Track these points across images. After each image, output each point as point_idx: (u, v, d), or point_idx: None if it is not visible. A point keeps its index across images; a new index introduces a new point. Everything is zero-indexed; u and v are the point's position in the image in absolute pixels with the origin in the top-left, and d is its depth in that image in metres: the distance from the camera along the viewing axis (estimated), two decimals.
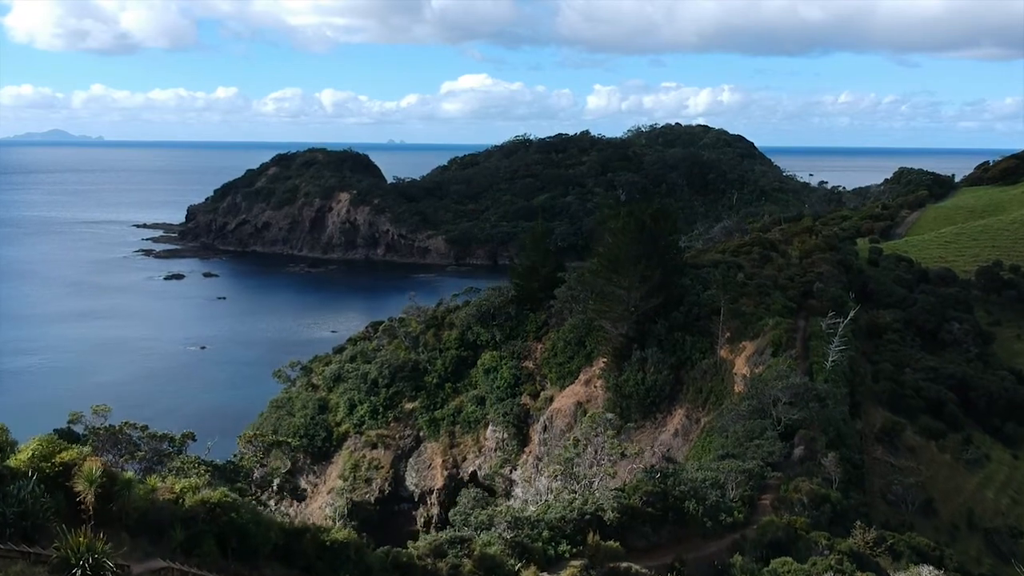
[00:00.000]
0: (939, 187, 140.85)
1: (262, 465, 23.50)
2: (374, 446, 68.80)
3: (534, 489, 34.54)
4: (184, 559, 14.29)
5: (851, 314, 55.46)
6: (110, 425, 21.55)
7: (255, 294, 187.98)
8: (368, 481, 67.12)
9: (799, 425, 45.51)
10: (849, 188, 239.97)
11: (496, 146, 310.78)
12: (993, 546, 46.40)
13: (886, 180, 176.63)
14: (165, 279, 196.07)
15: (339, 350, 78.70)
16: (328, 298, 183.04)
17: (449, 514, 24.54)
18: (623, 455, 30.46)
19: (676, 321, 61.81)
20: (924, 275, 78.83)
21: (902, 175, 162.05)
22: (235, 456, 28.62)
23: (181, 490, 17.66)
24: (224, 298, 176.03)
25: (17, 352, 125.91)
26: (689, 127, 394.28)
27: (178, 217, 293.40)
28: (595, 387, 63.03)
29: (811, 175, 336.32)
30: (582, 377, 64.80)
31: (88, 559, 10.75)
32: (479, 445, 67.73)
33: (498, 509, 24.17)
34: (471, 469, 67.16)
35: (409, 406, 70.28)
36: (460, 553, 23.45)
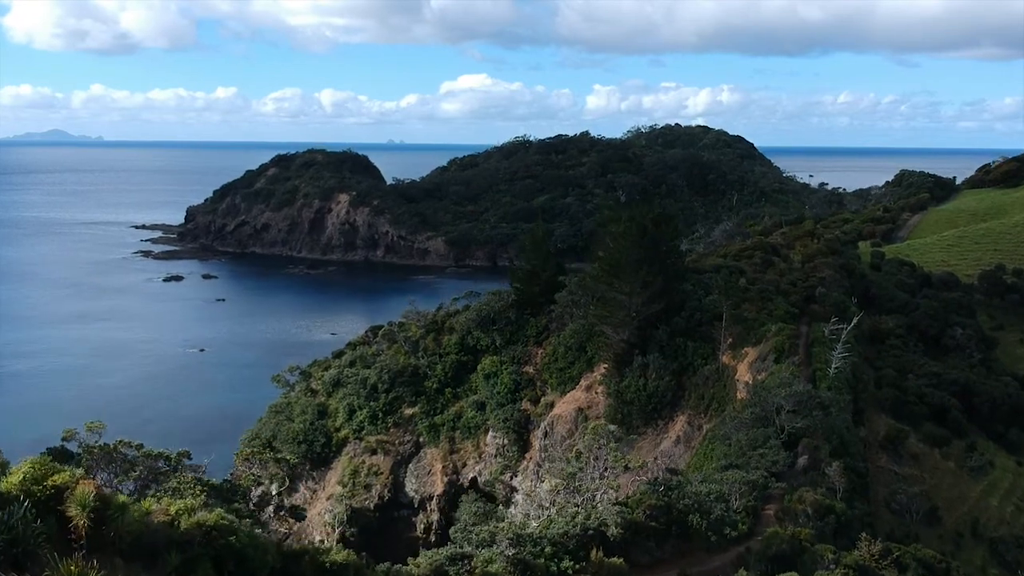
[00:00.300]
0: (940, 189, 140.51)
1: (259, 483, 23.10)
2: (373, 452, 68.37)
3: (536, 504, 34.10)
4: None
5: (855, 320, 55.03)
6: (104, 444, 21.15)
7: (254, 296, 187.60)
8: (368, 487, 66.70)
9: (802, 433, 45.09)
10: (849, 189, 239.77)
11: (496, 147, 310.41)
12: (998, 555, 45.98)
13: (887, 182, 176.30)
14: (164, 280, 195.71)
15: (338, 355, 78.29)
16: (327, 300, 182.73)
17: (450, 531, 24.08)
18: (626, 468, 30.03)
19: (678, 327, 61.39)
20: (927, 279, 78.43)
21: (903, 177, 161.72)
22: (231, 474, 28.14)
23: (176, 512, 17.23)
24: (223, 300, 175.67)
25: (15, 355, 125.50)
26: (689, 128, 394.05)
27: (177, 218, 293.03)
28: (596, 393, 62.60)
29: (811, 176, 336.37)
30: (583, 383, 64.37)
31: None
32: (479, 451, 67.31)
33: (500, 526, 23.76)
34: (471, 475, 66.73)
35: (409, 411, 69.85)
36: (461, 571, 23.05)
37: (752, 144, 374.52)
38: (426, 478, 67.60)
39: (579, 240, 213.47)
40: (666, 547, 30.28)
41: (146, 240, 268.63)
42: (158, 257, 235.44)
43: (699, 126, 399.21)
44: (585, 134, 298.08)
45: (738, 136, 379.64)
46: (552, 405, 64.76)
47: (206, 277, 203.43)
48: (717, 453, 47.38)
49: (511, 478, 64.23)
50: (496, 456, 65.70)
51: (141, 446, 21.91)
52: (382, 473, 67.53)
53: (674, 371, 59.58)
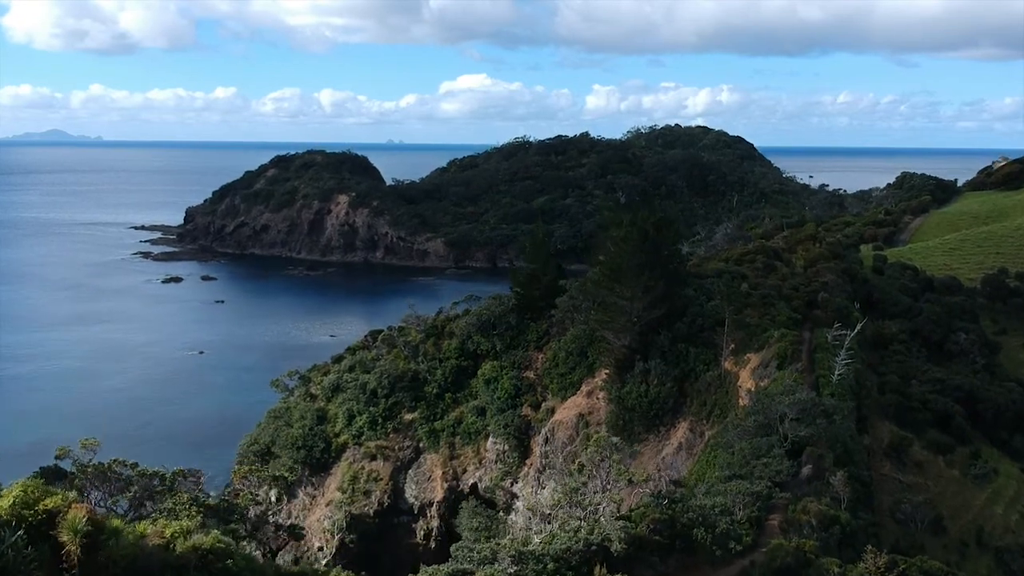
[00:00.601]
0: (942, 192, 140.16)
1: (257, 503, 22.66)
2: (373, 457, 67.95)
3: (539, 517, 33.67)
4: None
5: (858, 327, 54.61)
6: (98, 463, 20.73)
7: (253, 297, 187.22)
8: (367, 493, 66.26)
9: (806, 442, 44.64)
10: (850, 191, 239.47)
11: (495, 147, 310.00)
12: (1004, 565, 45.55)
13: (888, 185, 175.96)
14: (163, 282, 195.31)
15: (337, 359, 77.88)
16: (327, 302, 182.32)
17: (451, 548, 23.65)
18: (630, 481, 29.62)
19: (679, 332, 60.94)
20: (929, 284, 78.00)
21: (905, 180, 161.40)
22: (228, 492, 27.79)
23: (172, 535, 16.82)
24: (222, 301, 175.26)
25: (14, 358, 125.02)
26: (689, 128, 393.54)
27: (176, 219, 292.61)
28: (597, 399, 62.16)
29: (811, 176, 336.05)
30: (584, 388, 63.93)
31: None
32: (479, 457, 66.89)
33: (502, 543, 23.34)
34: (471, 481, 66.31)
35: (408, 417, 69.43)
36: None
37: (752, 145, 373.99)
38: (426, 484, 67.18)
39: (579, 241, 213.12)
40: (670, 562, 29.86)
41: (145, 241, 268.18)
42: (157, 258, 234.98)
43: (699, 127, 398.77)
44: (585, 135, 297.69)
45: (738, 137, 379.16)
46: (553, 411, 64.34)
47: (205, 279, 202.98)
48: (720, 461, 46.95)
49: (512, 484, 63.81)
50: (496, 462, 65.29)
51: (136, 465, 21.47)
52: (382, 479, 67.10)
53: (676, 377, 59.13)
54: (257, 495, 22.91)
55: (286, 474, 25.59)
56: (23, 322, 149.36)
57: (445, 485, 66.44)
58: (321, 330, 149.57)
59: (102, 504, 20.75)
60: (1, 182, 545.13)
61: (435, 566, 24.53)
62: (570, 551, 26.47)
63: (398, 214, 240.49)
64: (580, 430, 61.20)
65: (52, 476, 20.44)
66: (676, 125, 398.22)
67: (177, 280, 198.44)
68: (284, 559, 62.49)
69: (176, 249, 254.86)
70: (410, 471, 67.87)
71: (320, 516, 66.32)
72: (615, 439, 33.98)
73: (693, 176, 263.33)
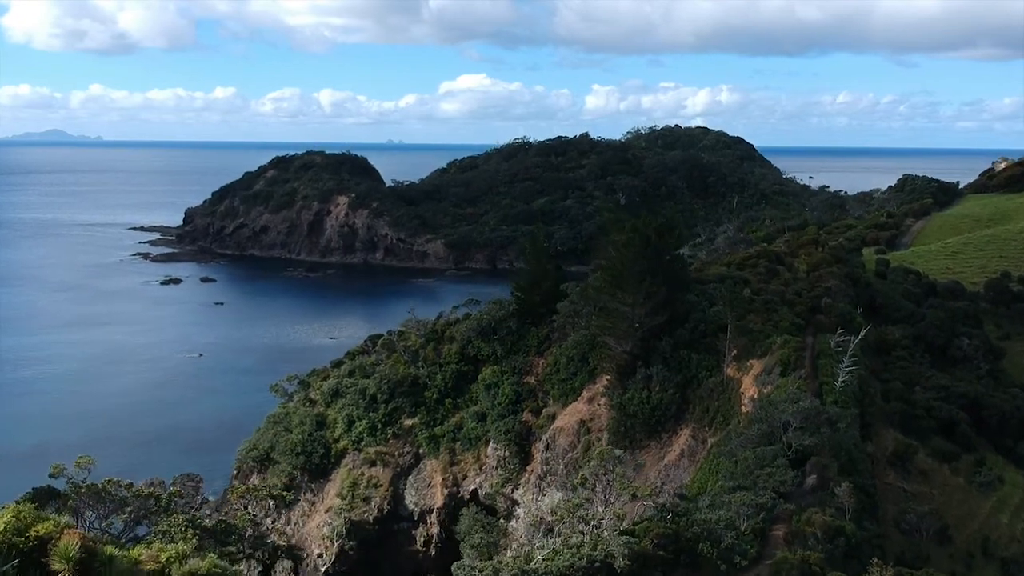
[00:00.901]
0: (944, 194, 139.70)
1: (255, 523, 22.14)
2: (373, 463, 67.45)
3: (542, 529, 33.19)
4: None
5: (862, 333, 54.13)
6: (92, 483, 20.26)
7: (253, 299, 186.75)
8: (367, 500, 65.77)
9: (810, 451, 44.19)
10: (850, 192, 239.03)
11: (495, 148, 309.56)
12: (1010, 575, 45.10)
13: (890, 187, 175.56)
14: (162, 283, 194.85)
15: (337, 364, 77.40)
16: (326, 304, 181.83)
17: (452, 567, 23.21)
18: (634, 496, 29.17)
19: (682, 338, 60.50)
20: (932, 288, 77.54)
21: (906, 182, 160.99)
22: (226, 513, 27.23)
23: (167, 560, 16.35)
24: (222, 303, 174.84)
25: (12, 361, 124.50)
26: (689, 129, 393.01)
27: (176, 219, 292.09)
28: (599, 405, 61.71)
29: (811, 177, 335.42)
30: (585, 394, 63.47)
31: None
32: (480, 463, 66.40)
33: (504, 561, 22.89)
34: (472, 487, 65.82)
35: (408, 422, 68.94)
36: None
37: (752, 145, 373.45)
38: (426, 490, 66.70)
39: (579, 243, 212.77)
40: None
41: (144, 242, 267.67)
42: (156, 259, 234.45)
43: (699, 127, 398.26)
44: (585, 136, 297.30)
45: (738, 137, 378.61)
46: (554, 417, 63.88)
47: (204, 280, 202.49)
48: (723, 470, 46.48)
49: (512, 491, 63.32)
50: (497, 468, 64.80)
51: (131, 485, 21.03)
52: (381, 485, 66.61)
53: (678, 383, 58.67)
54: (255, 515, 22.37)
55: (283, 493, 24.99)
56: (22, 324, 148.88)
57: (445, 491, 65.96)
58: (321, 332, 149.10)
59: (96, 525, 20.29)
60: (1, 182, 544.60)
61: None
62: (573, 568, 26.07)
63: (398, 215, 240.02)
64: (581, 437, 60.76)
65: (45, 496, 19.99)
66: (676, 126, 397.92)
67: (176, 282, 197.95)
68: (283, 565, 62.12)
69: (175, 250, 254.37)
70: (410, 477, 67.39)
71: (319, 522, 65.82)
72: (618, 452, 33.52)
73: (693, 177, 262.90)
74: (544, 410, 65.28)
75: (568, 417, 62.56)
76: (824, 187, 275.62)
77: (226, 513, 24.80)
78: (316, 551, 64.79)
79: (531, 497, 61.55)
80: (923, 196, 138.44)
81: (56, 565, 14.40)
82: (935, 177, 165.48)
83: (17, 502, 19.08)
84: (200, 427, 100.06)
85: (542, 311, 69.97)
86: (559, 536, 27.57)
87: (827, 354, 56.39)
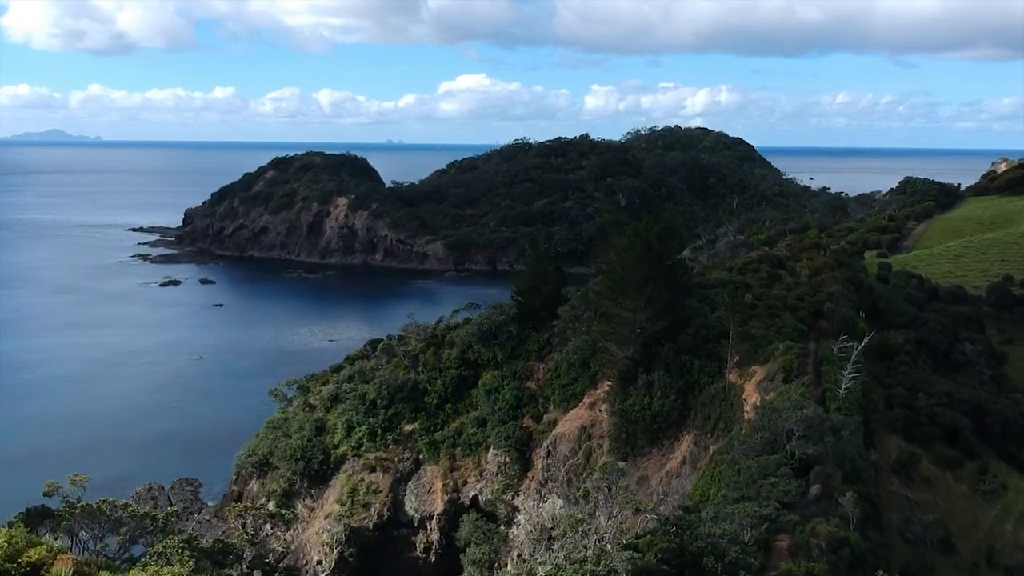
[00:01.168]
0: (945, 197, 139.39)
1: (253, 543, 21.89)
2: (372, 469, 67.09)
3: (544, 543, 32.83)
4: None
5: (865, 339, 53.76)
6: (87, 503, 19.91)
7: (252, 301, 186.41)
8: (366, 506, 65.40)
9: (814, 460, 43.80)
10: (850, 193, 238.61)
11: (495, 149, 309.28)
12: None
13: (891, 189, 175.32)
14: (161, 285, 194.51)
15: (336, 369, 77.05)
16: (326, 306, 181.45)
17: None
18: (637, 510, 28.81)
19: (683, 344, 60.09)
20: (935, 293, 77.17)
21: (907, 184, 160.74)
22: (223, 533, 26.93)
23: None
24: (221, 305, 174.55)
25: (10, 365, 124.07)
26: (689, 130, 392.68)
27: (175, 220, 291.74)
28: (600, 411, 61.33)
29: (811, 178, 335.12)
30: (586, 400, 63.09)
31: None
32: (480, 469, 66.03)
33: None
34: (472, 494, 65.44)
35: (408, 428, 68.58)
36: None
37: (752, 146, 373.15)
38: (426, 496, 66.32)
39: (579, 244, 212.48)
40: None
41: (144, 243, 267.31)
42: (155, 261, 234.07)
43: (699, 128, 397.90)
44: (585, 136, 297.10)
45: (738, 138, 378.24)
46: (555, 423, 63.51)
47: (204, 282, 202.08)
48: (725, 478, 46.11)
49: (513, 498, 62.95)
50: (497, 474, 64.43)
51: (127, 505, 20.66)
52: (381, 491, 66.24)
53: (679, 390, 58.27)
54: (253, 534, 22.16)
55: (283, 512, 24.64)
56: (22, 327, 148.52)
57: (445, 497, 65.59)
58: (320, 335, 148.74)
59: (91, 545, 19.94)
60: (0, 183, 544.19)
61: None
62: None
63: (397, 216, 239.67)
64: (582, 443, 60.40)
65: (39, 516, 19.63)
66: (676, 126, 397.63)
67: (176, 283, 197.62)
68: (281, 571, 61.68)
69: (175, 251, 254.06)
70: (410, 483, 67.02)
71: (319, 529, 65.47)
72: (621, 464, 33.14)
73: (693, 178, 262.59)
74: (545, 416, 64.90)
75: (569, 423, 62.19)
76: (825, 189, 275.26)
77: (224, 533, 24.50)
78: (315, 558, 64.42)
79: (532, 504, 61.19)
80: (924, 198, 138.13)
81: None
82: (935, 177, 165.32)
83: (10, 523, 18.72)
84: (199, 430, 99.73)
85: (543, 315, 69.60)
86: (562, 551, 27.20)
87: (830, 360, 55.99)
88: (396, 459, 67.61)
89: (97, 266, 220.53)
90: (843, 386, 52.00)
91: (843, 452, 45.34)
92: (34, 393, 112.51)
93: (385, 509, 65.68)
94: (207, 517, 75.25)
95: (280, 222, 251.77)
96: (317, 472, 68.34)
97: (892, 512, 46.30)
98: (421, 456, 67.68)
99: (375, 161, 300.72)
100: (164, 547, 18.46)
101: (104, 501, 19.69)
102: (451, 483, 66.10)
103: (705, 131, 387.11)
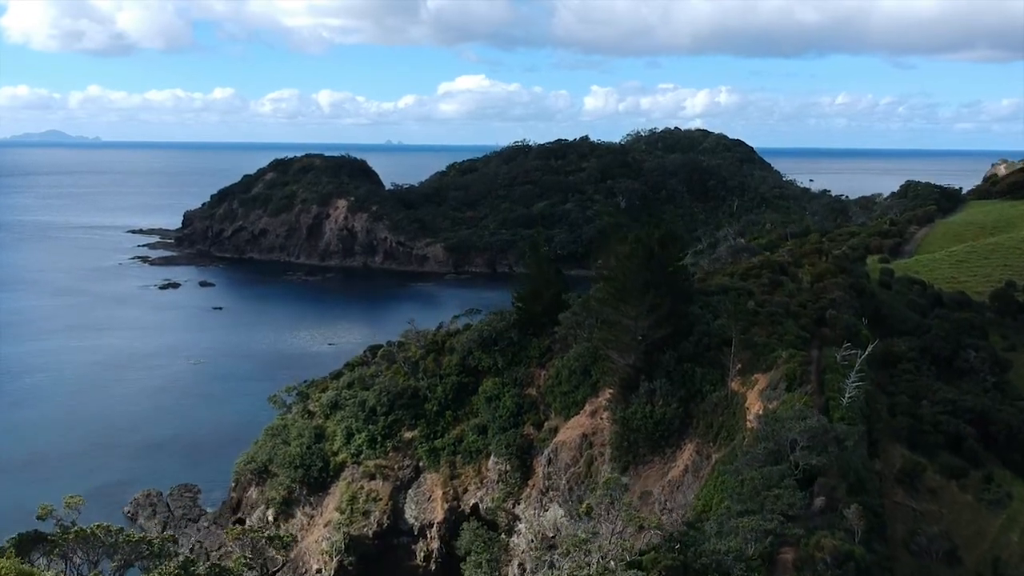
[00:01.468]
0: (947, 201, 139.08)
1: (250, 567, 21.48)
2: (372, 477, 66.68)
3: (546, 559, 32.43)
4: None
5: (869, 347, 53.35)
6: (81, 528, 19.50)
7: (252, 304, 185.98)
8: (366, 514, 64.99)
9: (818, 471, 43.40)
10: (849, 193, 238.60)
11: (495, 150, 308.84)
12: None
13: (893, 193, 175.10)
14: (160, 288, 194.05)
15: (336, 376, 76.65)
16: (325, 308, 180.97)
17: None
18: (641, 527, 28.44)
19: (685, 352, 59.71)
20: (938, 299, 76.79)
21: (909, 188, 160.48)
22: (220, 557, 26.50)
23: None
24: (221, 308, 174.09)
25: (9, 371, 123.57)
26: (688, 131, 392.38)
27: (175, 222, 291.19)
28: (601, 419, 60.92)
29: (811, 180, 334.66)
30: (588, 408, 62.68)
31: None
32: (481, 476, 65.63)
33: None
34: (472, 502, 65.05)
35: (408, 435, 68.17)
36: None
37: (751, 148, 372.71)
38: (426, 504, 65.92)
39: (579, 247, 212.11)
40: None
41: (143, 245, 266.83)
42: (155, 263, 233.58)
43: (699, 130, 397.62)
44: (584, 139, 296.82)
45: (738, 140, 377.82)
46: (556, 430, 63.11)
47: (203, 284, 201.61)
48: (728, 489, 45.73)
49: (514, 506, 62.56)
50: (498, 482, 64.03)
51: (121, 530, 20.26)
52: (381, 499, 65.84)
53: (682, 398, 57.89)
54: (251, 560, 21.75)
55: (282, 535, 24.22)
56: (21, 330, 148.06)
57: (446, 505, 65.19)
58: (319, 338, 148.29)
59: (85, 571, 19.53)
60: (0, 184, 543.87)
61: None
62: None
63: (397, 219, 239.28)
64: (584, 451, 60.00)
65: (31, 542, 19.22)
66: (676, 128, 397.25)
67: (175, 286, 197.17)
68: None
69: (174, 253, 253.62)
70: (410, 491, 66.62)
71: (318, 537, 65.06)
72: (624, 479, 32.73)
73: (693, 180, 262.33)
74: (546, 423, 64.53)
75: (570, 431, 61.81)
76: (825, 191, 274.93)
77: (220, 547, 23.96)
78: (315, 566, 64.02)
79: (533, 512, 60.80)
80: (926, 202, 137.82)
81: None
82: (935, 179, 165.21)
83: (2, 549, 18.30)
84: (199, 435, 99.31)
85: (544, 321, 69.18)
86: (565, 571, 26.82)
87: (833, 368, 55.60)
88: (396, 467, 67.20)
89: (96, 268, 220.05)
90: (847, 395, 51.60)
91: (847, 463, 44.93)
92: (34, 396, 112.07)
93: (385, 517, 65.28)
94: (206, 524, 74.92)
95: (279, 224, 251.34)
96: (316, 480, 67.94)
97: (897, 523, 45.88)
98: (421, 464, 67.27)
99: (374, 162, 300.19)
100: (160, 573, 18.09)
101: (99, 526, 19.29)
102: (451, 491, 65.70)
103: (705, 133, 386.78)
